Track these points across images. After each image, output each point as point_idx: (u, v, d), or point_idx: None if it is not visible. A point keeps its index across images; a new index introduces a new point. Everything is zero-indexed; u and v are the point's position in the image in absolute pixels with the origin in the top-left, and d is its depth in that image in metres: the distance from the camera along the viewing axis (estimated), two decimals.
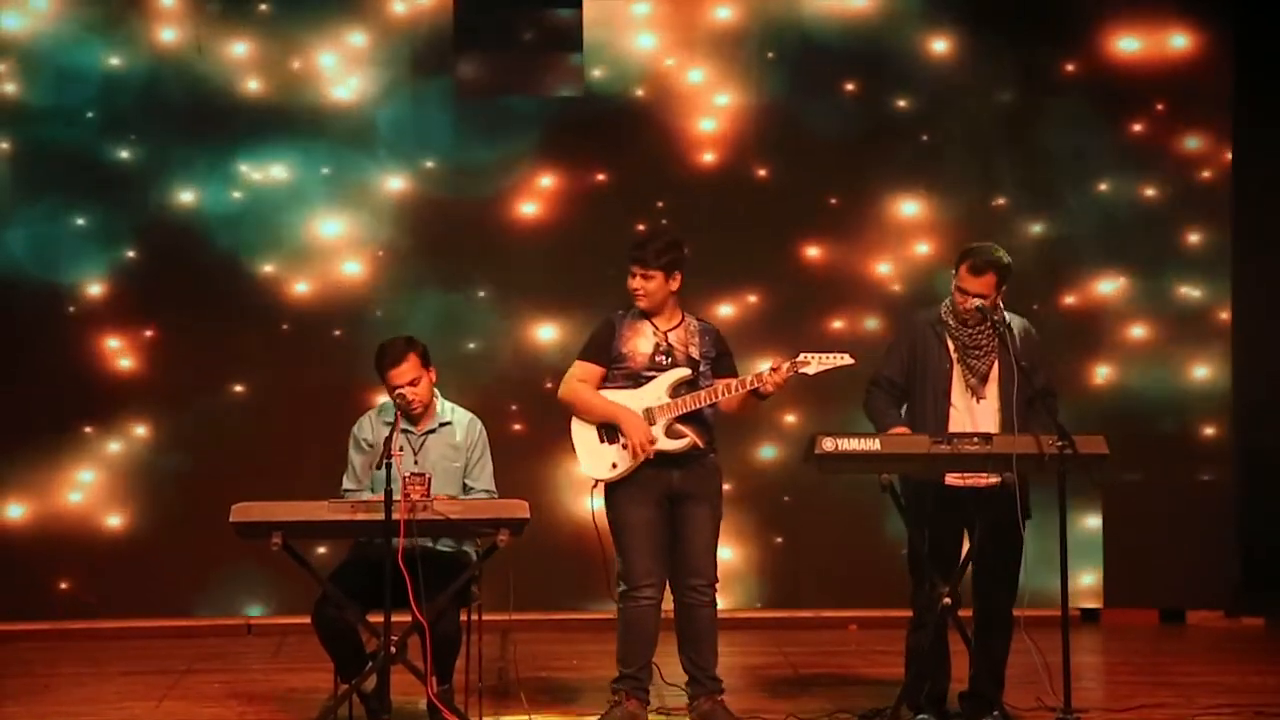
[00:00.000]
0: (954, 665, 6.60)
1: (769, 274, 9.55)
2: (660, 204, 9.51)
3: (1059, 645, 6.16)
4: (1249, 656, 8.45)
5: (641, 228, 9.16)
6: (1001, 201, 9.62)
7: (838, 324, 9.51)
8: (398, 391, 6.55)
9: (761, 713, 6.81)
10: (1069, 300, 9.62)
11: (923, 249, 9.57)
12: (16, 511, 9.29)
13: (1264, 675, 7.73)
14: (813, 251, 9.62)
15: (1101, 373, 9.60)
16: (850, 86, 9.63)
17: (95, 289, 9.40)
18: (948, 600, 6.30)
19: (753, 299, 9.54)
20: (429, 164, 9.55)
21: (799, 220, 9.61)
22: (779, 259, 9.58)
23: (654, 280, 6.58)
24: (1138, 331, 9.63)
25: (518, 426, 9.34)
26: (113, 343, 9.38)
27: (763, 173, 9.63)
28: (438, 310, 9.45)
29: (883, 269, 9.61)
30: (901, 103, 9.64)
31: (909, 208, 9.62)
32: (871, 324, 9.50)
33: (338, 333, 9.45)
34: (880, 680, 7.50)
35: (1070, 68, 9.65)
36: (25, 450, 9.28)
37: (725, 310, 9.39)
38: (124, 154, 9.42)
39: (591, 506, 6.57)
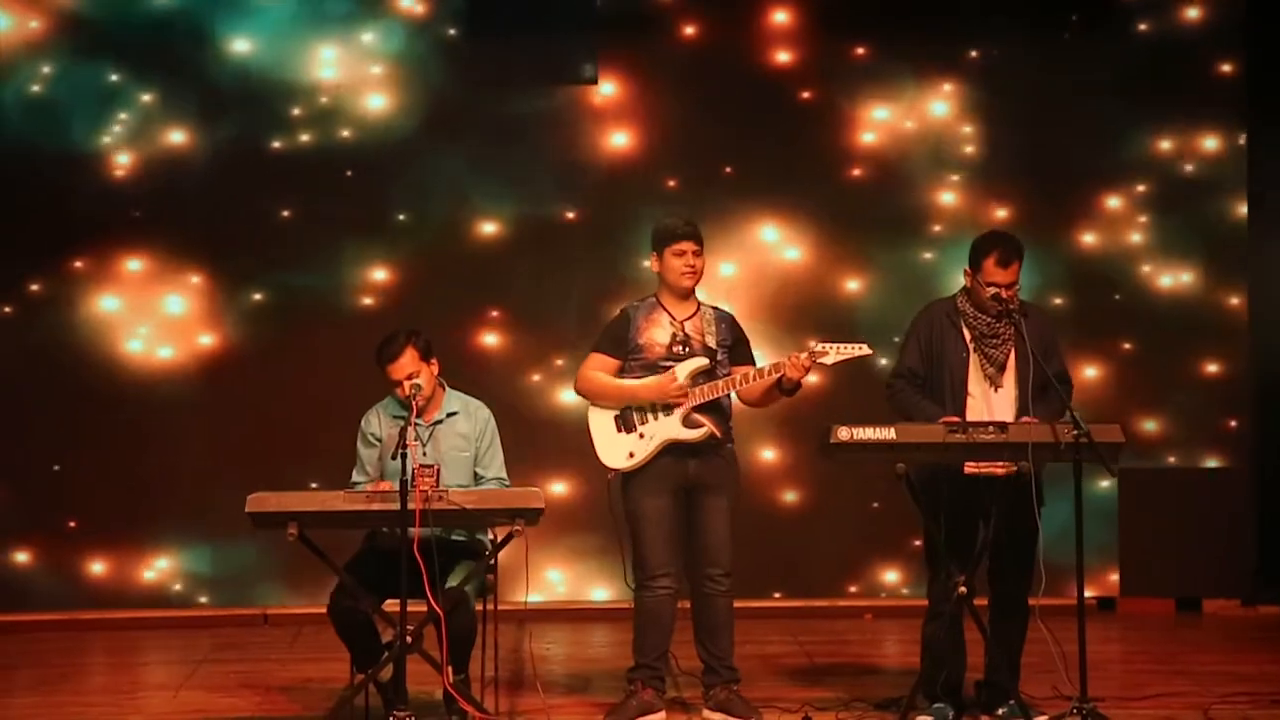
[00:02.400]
0: (970, 654, 6.60)
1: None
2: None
3: (1075, 634, 6.15)
4: (1266, 645, 8.42)
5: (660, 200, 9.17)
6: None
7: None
8: (399, 385, 6.57)
9: (777, 702, 6.80)
10: (1080, 285, 9.56)
11: (935, 228, 9.54)
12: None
13: None
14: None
15: (1117, 358, 9.55)
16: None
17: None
18: (963, 589, 6.30)
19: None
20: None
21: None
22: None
23: (702, 259, 6.61)
24: (1155, 319, 9.57)
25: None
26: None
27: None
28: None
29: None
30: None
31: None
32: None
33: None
34: (896, 669, 7.49)
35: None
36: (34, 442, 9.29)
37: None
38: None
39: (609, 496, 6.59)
